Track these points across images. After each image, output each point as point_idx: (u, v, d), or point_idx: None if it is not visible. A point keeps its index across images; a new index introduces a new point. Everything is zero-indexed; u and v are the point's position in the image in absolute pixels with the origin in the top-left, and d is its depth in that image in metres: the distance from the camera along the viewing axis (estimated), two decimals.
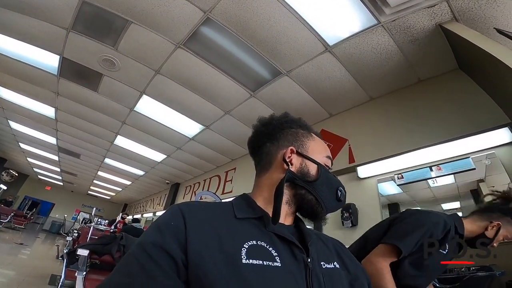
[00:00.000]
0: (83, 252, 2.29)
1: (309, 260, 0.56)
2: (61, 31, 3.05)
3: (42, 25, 2.99)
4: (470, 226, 1.24)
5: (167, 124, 4.78)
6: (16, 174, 12.84)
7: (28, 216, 11.43)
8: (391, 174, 2.79)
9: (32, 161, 10.12)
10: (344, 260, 0.67)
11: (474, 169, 2.39)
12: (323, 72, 2.98)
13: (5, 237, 7.71)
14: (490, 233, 1.22)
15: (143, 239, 0.48)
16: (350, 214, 2.88)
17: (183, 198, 7.51)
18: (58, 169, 10.44)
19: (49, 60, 3.59)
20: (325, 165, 0.70)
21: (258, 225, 0.58)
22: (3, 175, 12.16)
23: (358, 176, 2.99)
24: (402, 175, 2.72)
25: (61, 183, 13.65)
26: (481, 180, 2.38)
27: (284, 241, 0.57)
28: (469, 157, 2.41)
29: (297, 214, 0.69)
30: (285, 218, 0.66)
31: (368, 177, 2.96)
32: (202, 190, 6.52)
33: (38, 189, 14.63)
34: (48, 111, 5.21)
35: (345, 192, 0.70)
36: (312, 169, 0.66)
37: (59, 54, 3.43)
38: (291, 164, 0.66)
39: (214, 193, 5.64)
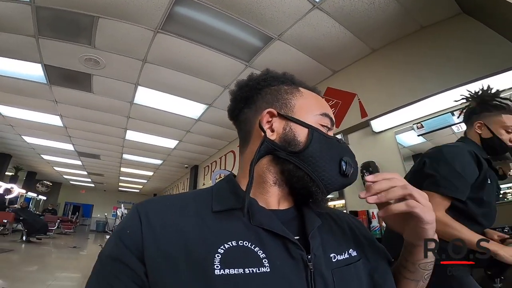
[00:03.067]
0: None
1: (309, 257, 0.43)
2: (30, 39, 2.93)
3: (10, 36, 2.88)
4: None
5: (170, 110, 4.69)
6: (50, 183, 13.63)
7: (74, 220, 12.31)
8: (409, 124, 2.55)
9: (59, 169, 10.62)
10: (363, 243, 0.55)
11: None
12: (317, 30, 2.70)
13: (60, 242, 8.38)
14: (484, 134, 1.17)
15: (103, 251, 0.42)
16: (371, 173, 2.69)
17: (204, 179, 7.63)
18: (85, 172, 10.90)
19: (33, 70, 3.52)
20: (322, 126, 0.52)
21: (241, 219, 0.45)
22: (38, 187, 12.95)
23: (373, 131, 2.77)
24: (421, 124, 2.47)
25: (93, 185, 14.34)
26: None
27: (275, 236, 0.44)
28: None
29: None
30: (279, 202, 0.52)
31: (384, 130, 2.74)
32: (220, 168, 6.54)
33: (74, 193, 15.52)
34: (54, 120, 5.27)
35: (355, 164, 0.52)
36: (300, 134, 0.50)
37: (39, 62, 3.35)
38: (272, 131, 0.51)
39: (231, 171, 5.47)
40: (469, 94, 1.27)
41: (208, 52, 3.09)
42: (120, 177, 11.55)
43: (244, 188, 0.49)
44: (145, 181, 11.96)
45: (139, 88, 3.95)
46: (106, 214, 12.77)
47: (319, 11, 2.48)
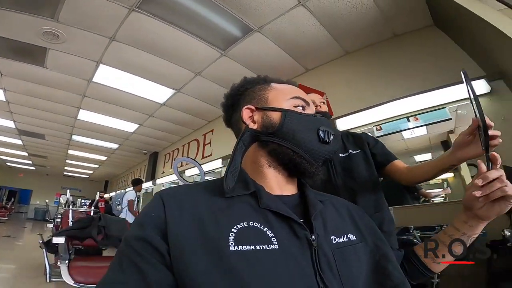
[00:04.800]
0: (59, 240, 2.15)
1: (313, 237, 0.48)
2: None
3: None
4: None
5: (133, 92, 4.44)
6: None
7: (9, 206, 10.94)
8: (370, 126, 2.79)
9: None
10: (361, 228, 0.59)
11: (451, 119, 2.42)
12: (297, 27, 2.78)
13: None
14: None
15: (127, 234, 0.46)
16: None
17: (164, 167, 7.39)
18: (26, 153, 9.78)
19: None
20: (295, 107, 0.59)
21: (250, 203, 0.50)
22: None
23: (337, 129, 2.96)
24: (380, 127, 2.72)
25: (33, 168, 12.93)
26: (451, 131, 2.45)
27: (281, 218, 0.49)
28: (445, 107, 2.42)
29: (299, 179, 0.61)
30: (281, 186, 0.57)
31: (348, 130, 2.94)
32: (182, 156, 6.38)
33: (11, 177, 13.76)
34: None
35: (333, 132, 0.58)
36: (275, 118, 0.57)
37: None
38: (254, 123, 0.59)
39: (194, 159, 5.42)
40: None
41: (184, 36, 2.99)
42: (67, 161, 10.58)
43: (251, 176, 0.56)
44: (97, 166, 11.15)
45: (101, 66, 3.68)
46: (47, 201, 11.55)
47: (303, 8, 2.55)
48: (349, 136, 1.35)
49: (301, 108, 0.60)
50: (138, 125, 5.97)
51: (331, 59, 3.30)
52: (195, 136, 6.12)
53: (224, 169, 4.23)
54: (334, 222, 0.56)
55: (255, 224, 0.46)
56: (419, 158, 2.76)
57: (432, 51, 2.59)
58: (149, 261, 0.41)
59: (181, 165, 6.00)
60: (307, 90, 3.66)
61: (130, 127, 6.11)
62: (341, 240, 0.53)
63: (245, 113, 0.60)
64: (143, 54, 3.35)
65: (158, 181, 7.26)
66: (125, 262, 0.42)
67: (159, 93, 4.45)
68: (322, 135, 0.55)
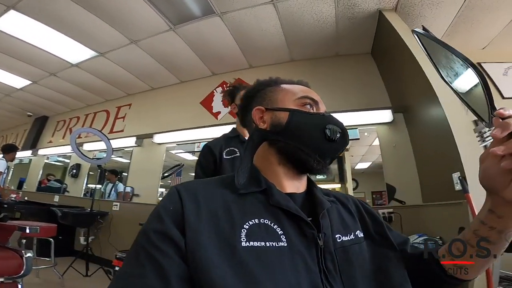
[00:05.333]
0: None
1: (320, 236, 0.50)
2: None
3: None
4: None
5: (40, 46, 3.62)
6: None
7: None
8: None
9: None
10: (368, 225, 0.61)
11: (358, 139, 2.93)
12: (259, 23, 2.85)
13: None
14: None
15: (146, 226, 0.47)
16: None
17: (52, 136, 6.09)
18: None
19: None
20: (304, 105, 0.62)
21: (262, 200, 0.53)
22: None
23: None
24: None
25: None
26: (346, 149, 2.92)
27: (290, 216, 0.51)
28: (357, 128, 2.92)
29: (309, 177, 0.64)
30: (291, 183, 0.59)
31: None
32: (82, 126, 5.41)
33: None
34: None
35: (340, 129, 0.58)
36: (283, 117, 0.60)
37: None
38: (264, 123, 0.62)
39: (100, 131, 4.53)
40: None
41: None
42: None
43: (264, 174, 0.58)
44: None
45: (11, 11, 2.91)
46: None
47: (272, 7, 2.63)
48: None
49: (309, 107, 0.62)
50: (31, 82, 4.78)
51: (276, 62, 3.48)
52: (106, 106, 5.32)
53: (138, 148, 3.86)
54: (341, 220, 0.58)
55: (266, 221, 0.49)
56: None
57: (361, 76, 3.10)
58: (167, 254, 0.42)
59: (80, 137, 5.07)
60: (243, 84, 3.76)
61: (18, 82, 4.83)
62: (346, 238, 0.55)
63: (255, 114, 0.63)
64: (74, 7, 2.79)
65: (41, 151, 5.89)
66: (143, 255, 0.43)
67: (75, 53, 3.75)
68: (328, 133, 0.56)
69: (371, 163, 3.05)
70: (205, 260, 0.41)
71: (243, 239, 0.45)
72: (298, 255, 0.46)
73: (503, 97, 2.88)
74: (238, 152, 1.34)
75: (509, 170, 0.38)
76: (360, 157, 3.05)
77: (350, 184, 2.84)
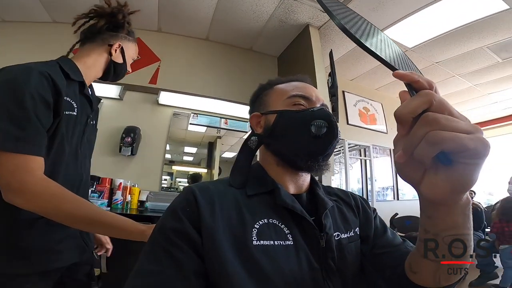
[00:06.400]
0: None
1: (322, 235, 0.53)
2: None
3: None
4: (90, 60, 0.92)
5: None
6: None
7: None
8: (190, 111, 2.89)
9: None
10: (364, 225, 0.63)
11: (247, 132, 3.08)
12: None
13: None
14: (116, 57, 0.98)
15: (163, 224, 0.49)
16: (133, 140, 2.48)
17: None
18: None
19: None
20: (294, 105, 0.61)
21: (269, 200, 0.55)
22: None
23: (157, 101, 2.79)
24: (197, 115, 2.95)
25: None
26: (219, 137, 3.03)
27: (295, 216, 0.53)
28: (247, 122, 3.06)
29: (312, 176, 0.65)
30: (294, 182, 0.61)
31: (167, 105, 2.85)
32: None
33: None
34: None
35: (328, 124, 0.55)
36: (272, 120, 0.61)
37: None
38: (260, 128, 0.64)
39: None
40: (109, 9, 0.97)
41: None
42: None
43: (271, 175, 0.60)
44: None
45: None
46: None
47: None
48: None
49: (299, 104, 0.60)
50: None
51: (191, 35, 3.21)
52: None
53: None
54: (341, 218, 0.61)
55: (274, 221, 0.52)
56: (187, 149, 3.07)
57: (261, 75, 3.14)
58: (185, 252, 0.44)
59: None
60: (144, 49, 3.32)
61: None
62: (344, 236, 0.57)
63: (252, 121, 0.66)
64: None
65: None
66: (160, 252, 0.45)
67: None
68: (313, 130, 0.55)
69: (236, 153, 3.19)
70: (222, 258, 0.44)
71: (254, 238, 0.48)
72: (303, 253, 0.50)
73: (347, 123, 3.71)
74: (75, 111, 0.81)
75: (417, 163, 0.30)
76: (229, 147, 3.14)
77: (216, 171, 2.89)
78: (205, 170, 3.03)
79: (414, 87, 0.30)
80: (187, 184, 2.87)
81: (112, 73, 1.00)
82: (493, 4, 2.47)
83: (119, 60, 1.00)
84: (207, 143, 3.08)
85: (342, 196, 0.68)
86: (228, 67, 3.25)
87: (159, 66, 3.03)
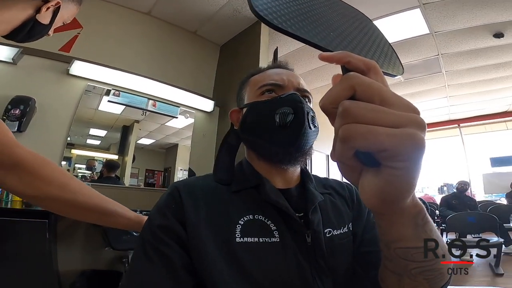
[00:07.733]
0: None
1: (308, 232, 0.50)
2: None
3: None
4: (8, 14, 0.69)
5: None
6: None
7: None
8: (111, 86, 2.50)
9: None
10: (357, 219, 0.59)
11: (177, 117, 2.84)
12: None
13: None
14: (44, 16, 0.74)
15: (150, 223, 0.49)
16: (22, 113, 1.93)
17: None
18: None
19: None
20: (263, 94, 0.57)
21: (255, 196, 0.53)
22: None
23: (68, 70, 2.30)
24: (119, 93, 2.54)
25: None
26: (137, 121, 2.69)
27: (281, 212, 0.50)
28: (179, 107, 2.83)
29: (303, 169, 0.61)
30: (280, 177, 0.57)
31: (80, 77, 2.37)
32: None
33: None
34: None
35: (293, 110, 0.51)
36: (244, 113, 0.60)
37: None
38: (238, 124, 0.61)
39: None
40: None
41: None
42: None
43: (256, 168, 0.58)
44: None
45: None
46: None
47: None
48: None
49: (270, 93, 0.57)
50: None
51: (130, 7, 2.82)
52: None
53: None
54: (334, 212, 0.56)
55: (260, 217, 0.49)
56: (95, 132, 2.62)
57: (201, 62, 3.17)
58: (173, 248, 0.44)
59: None
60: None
61: None
62: (337, 232, 0.53)
63: (232, 116, 0.63)
64: None
65: None
66: (150, 250, 0.44)
67: None
68: (277, 119, 0.50)
69: (155, 141, 2.89)
70: (205, 255, 0.44)
71: (238, 235, 0.46)
72: (290, 250, 0.47)
73: None
74: None
75: (350, 167, 0.24)
76: (148, 133, 2.83)
77: (130, 158, 2.59)
78: (115, 157, 2.64)
79: (348, 69, 0.24)
80: (89, 172, 2.47)
81: (24, 32, 0.74)
82: (418, 27, 2.79)
83: (45, 21, 0.75)
84: (121, 126, 2.68)
85: (337, 188, 0.63)
86: (166, 48, 3.01)
87: (78, 33, 2.53)
